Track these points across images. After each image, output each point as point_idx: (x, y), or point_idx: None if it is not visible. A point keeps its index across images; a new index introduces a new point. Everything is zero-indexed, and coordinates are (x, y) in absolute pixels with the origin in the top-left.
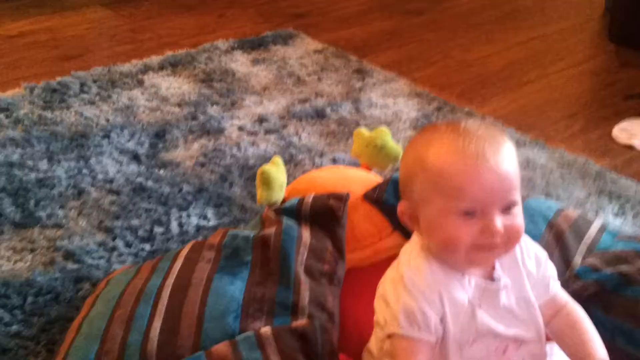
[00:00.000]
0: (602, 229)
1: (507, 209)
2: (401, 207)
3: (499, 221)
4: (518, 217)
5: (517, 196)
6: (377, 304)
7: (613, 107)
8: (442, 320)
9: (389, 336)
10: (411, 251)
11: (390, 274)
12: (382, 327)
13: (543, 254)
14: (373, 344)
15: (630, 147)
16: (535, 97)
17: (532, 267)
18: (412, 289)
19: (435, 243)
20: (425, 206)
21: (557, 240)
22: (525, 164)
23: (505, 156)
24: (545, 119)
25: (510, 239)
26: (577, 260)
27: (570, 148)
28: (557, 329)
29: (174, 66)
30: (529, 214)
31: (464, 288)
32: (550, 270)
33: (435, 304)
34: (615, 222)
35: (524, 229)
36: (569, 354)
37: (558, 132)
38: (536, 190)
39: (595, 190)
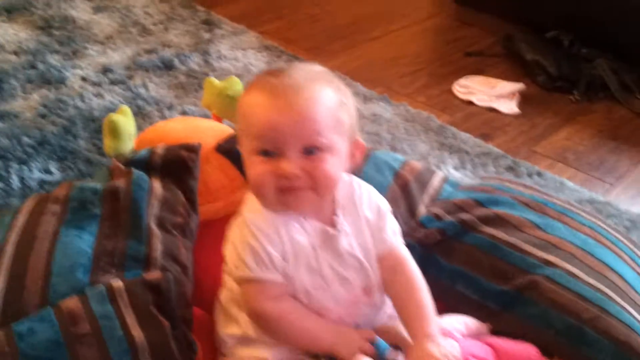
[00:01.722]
0: (444, 179)
1: (308, 152)
2: (239, 147)
3: (291, 162)
4: (324, 161)
5: (324, 140)
6: (226, 250)
7: (454, 64)
8: (284, 258)
9: (240, 282)
10: (253, 195)
11: (235, 219)
12: (231, 272)
13: (386, 206)
14: (222, 293)
15: (469, 103)
16: (381, 53)
17: (370, 215)
18: (255, 230)
19: (250, 184)
20: (241, 147)
21: (403, 190)
22: (372, 119)
23: (310, 98)
24: (391, 75)
25: (316, 183)
26: (422, 209)
27: (414, 103)
28: (394, 294)
29: (9, 12)
30: (376, 165)
31: (306, 231)
32: (390, 222)
33: (276, 243)
34: (456, 174)
35: (334, 175)
36: (403, 323)
37: (402, 87)
38: (382, 144)
39: (437, 144)
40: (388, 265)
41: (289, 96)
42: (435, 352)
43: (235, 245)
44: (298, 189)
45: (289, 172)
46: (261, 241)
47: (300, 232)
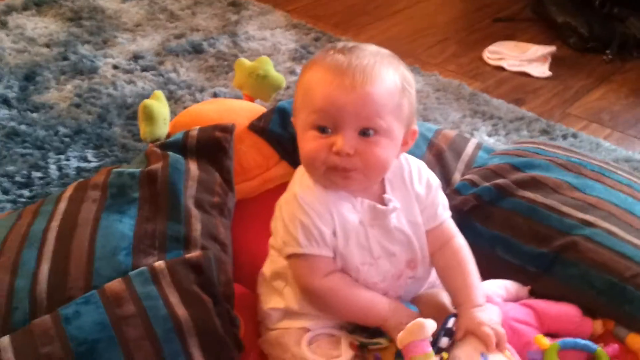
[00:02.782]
0: (479, 146)
1: (365, 133)
2: (292, 121)
3: (348, 141)
4: (378, 144)
5: (382, 123)
6: (274, 225)
7: (482, 31)
8: (335, 234)
9: (289, 256)
10: (304, 171)
11: (285, 195)
12: (281, 249)
13: (436, 180)
14: (267, 267)
15: (500, 69)
16: (409, 25)
17: (421, 191)
18: (305, 206)
19: (301, 158)
20: (297, 120)
21: (438, 158)
22: None
23: (374, 79)
24: (419, 46)
25: (367, 165)
26: (457, 177)
27: (444, 72)
28: (442, 265)
29: (38, 5)
30: None
31: (355, 209)
32: (441, 198)
33: (327, 220)
34: (489, 141)
35: (386, 159)
36: (449, 293)
37: (432, 57)
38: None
39: (470, 112)
40: (437, 239)
41: (355, 75)
42: (485, 319)
43: (285, 221)
44: (348, 169)
45: (342, 149)
46: (312, 217)
47: (350, 210)
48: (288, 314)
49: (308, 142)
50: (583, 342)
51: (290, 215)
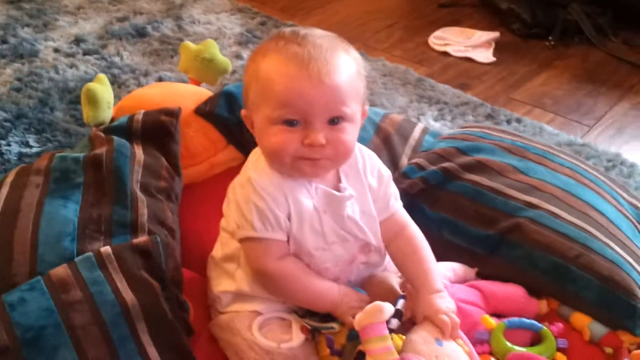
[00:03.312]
0: (425, 130)
1: (332, 122)
2: (243, 113)
3: (320, 133)
4: (345, 131)
5: (348, 110)
6: (227, 208)
7: (428, 16)
8: (290, 219)
9: (243, 240)
10: (259, 155)
11: (239, 178)
12: (233, 232)
13: (387, 171)
14: (218, 250)
15: (445, 54)
16: (355, 9)
17: (373, 182)
18: (261, 190)
19: (263, 151)
20: (256, 114)
21: (385, 142)
22: None
23: (336, 68)
24: (366, 31)
25: (336, 153)
26: (404, 160)
27: (391, 57)
28: (398, 253)
29: None
30: None
31: (310, 194)
32: (392, 188)
33: (282, 204)
34: (435, 125)
35: (352, 144)
36: (408, 280)
37: (378, 43)
38: None
39: (416, 97)
40: (390, 229)
41: (320, 67)
42: (442, 307)
43: (239, 205)
44: (320, 158)
45: (316, 141)
46: (268, 202)
47: (306, 195)
48: (239, 296)
49: (275, 136)
50: (529, 321)
51: (245, 198)
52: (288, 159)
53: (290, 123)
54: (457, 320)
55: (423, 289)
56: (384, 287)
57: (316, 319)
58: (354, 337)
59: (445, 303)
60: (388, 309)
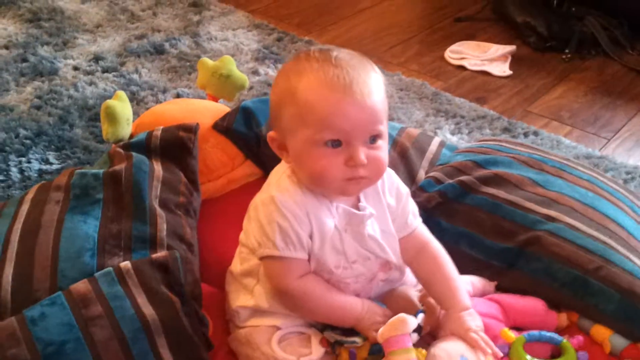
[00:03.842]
0: (442, 144)
1: (372, 141)
2: (271, 135)
3: (363, 153)
4: (382, 149)
5: (382, 128)
6: (248, 225)
7: (444, 30)
8: (312, 238)
9: (264, 259)
10: (281, 173)
11: (260, 196)
12: (254, 249)
13: (405, 189)
14: (236, 265)
15: (461, 68)
16: (370, 24)
17: (391, 201)
18: (284, 209)
19: (304, 174)
20: (293, 137)
21: (402, 156)
22: None
23: (373, 88)
24: (382, 45)
25: (375, 171)
26: (421, 174)
27: (407, 72)
28: (422, 272)
29: None
30: None
31: (331, 213)
32: (411, 206)
33: (305, 223)
34: (452, 139)
35: (387, 161)
36: (434, 298)
37: (394, 57)
38: None
39: (433, 111)
40: (411, 247)
41: (361, 88)
42: (473, 325)
43: (261, 223)
44: (362, 177)
45: (360, 161)
46: (291, 221)
47: (327, 214)
48: (257, 312)
49: (319, 160)
50: (548, 334)
51: (268, 217)
52: (336, 182)
53: (333, 145)
54: (486, 338)
55: (452, 307)
56: (403, 301)
57: (338, 332)
58: (376, 351)
59: (474, 321)
60: (412, 321)
